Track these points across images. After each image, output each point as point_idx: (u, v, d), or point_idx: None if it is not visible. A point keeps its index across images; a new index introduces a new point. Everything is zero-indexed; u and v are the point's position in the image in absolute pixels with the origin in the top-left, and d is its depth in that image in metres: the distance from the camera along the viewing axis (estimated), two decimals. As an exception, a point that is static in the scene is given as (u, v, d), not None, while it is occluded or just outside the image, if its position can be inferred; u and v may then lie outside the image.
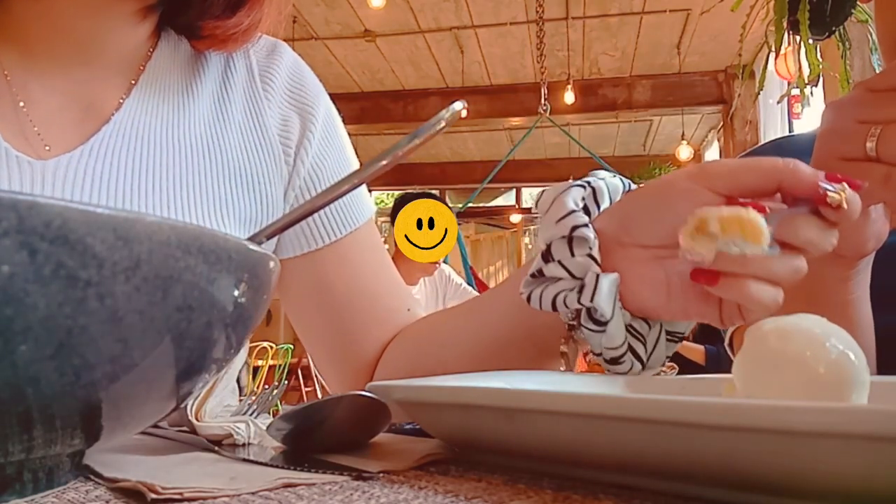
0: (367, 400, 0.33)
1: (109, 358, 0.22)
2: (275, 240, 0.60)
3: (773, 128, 4.91)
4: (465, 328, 0.53)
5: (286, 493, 0.26)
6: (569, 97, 5.09)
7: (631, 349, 0.40)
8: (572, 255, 0.40)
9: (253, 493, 0.26)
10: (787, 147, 0.86)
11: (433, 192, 4.40)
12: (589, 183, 0.43)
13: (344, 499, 0.24)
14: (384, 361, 0.61)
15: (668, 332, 0.42)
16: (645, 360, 0.41)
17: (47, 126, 0.52)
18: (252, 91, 0.60)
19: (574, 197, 0.41)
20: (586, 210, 0.42)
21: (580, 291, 0.39)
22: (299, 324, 0.64)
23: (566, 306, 0.40)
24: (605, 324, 0.39)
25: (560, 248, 0.40)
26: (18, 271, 0.19)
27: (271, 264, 0.29)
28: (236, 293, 0.26)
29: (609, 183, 0.43)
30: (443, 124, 0.35)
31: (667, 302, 0.39)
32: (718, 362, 2.69)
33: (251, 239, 0.34)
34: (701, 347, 2.75)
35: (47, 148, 0.51)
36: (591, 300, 0.39)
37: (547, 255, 0.41)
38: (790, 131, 4.53)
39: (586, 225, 0.40)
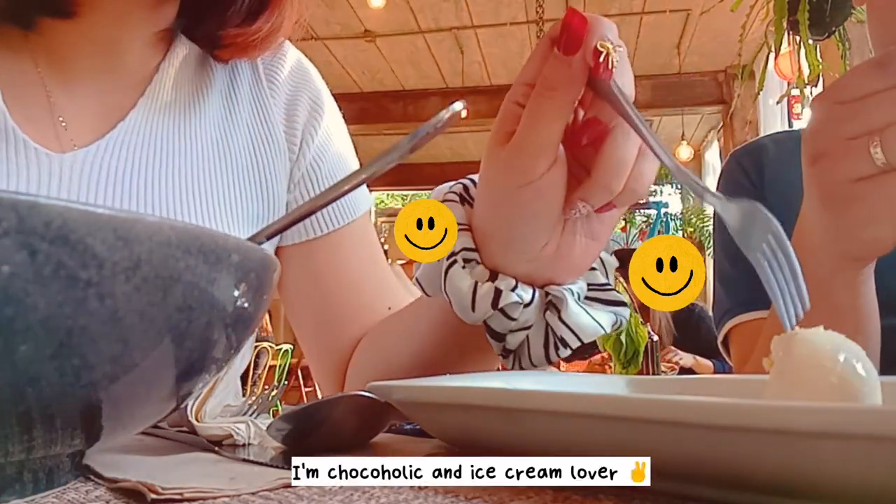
0: (367, 400, 0.33)
1: (109, 358, 0.22)
2: (276, 238, 0.61)
3: (773, 128, 4.91)
4: (406, 327, 0.53)
5: (286, 493, 0.26)
6: (569, 97, 5.08)
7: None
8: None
9: (253, 494, 0.26)
10: (784, 141, 0.85)
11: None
12: None
13: (344, 499, 0.24)
14: (353, 359, 0.61)
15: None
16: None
17: (72, 122, 0.54)
18: (258, 90, 0.62)
19: None
20: None
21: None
22: (290, 311, 0.65)
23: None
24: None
25: None
26: (18, 271, 0.19)
27: (272, 264, 0.29)
28: (236, 293, 0.26)
29: None
30: (443, 124, 0.35)
31: None
32: (726, 377, 2.70)
33: (251, 239, 0.34)
34: (710, 363, 2.76)
35: (73, 143, 0.54)
36: None
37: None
38: (790, 131, 4.52)
39: None
